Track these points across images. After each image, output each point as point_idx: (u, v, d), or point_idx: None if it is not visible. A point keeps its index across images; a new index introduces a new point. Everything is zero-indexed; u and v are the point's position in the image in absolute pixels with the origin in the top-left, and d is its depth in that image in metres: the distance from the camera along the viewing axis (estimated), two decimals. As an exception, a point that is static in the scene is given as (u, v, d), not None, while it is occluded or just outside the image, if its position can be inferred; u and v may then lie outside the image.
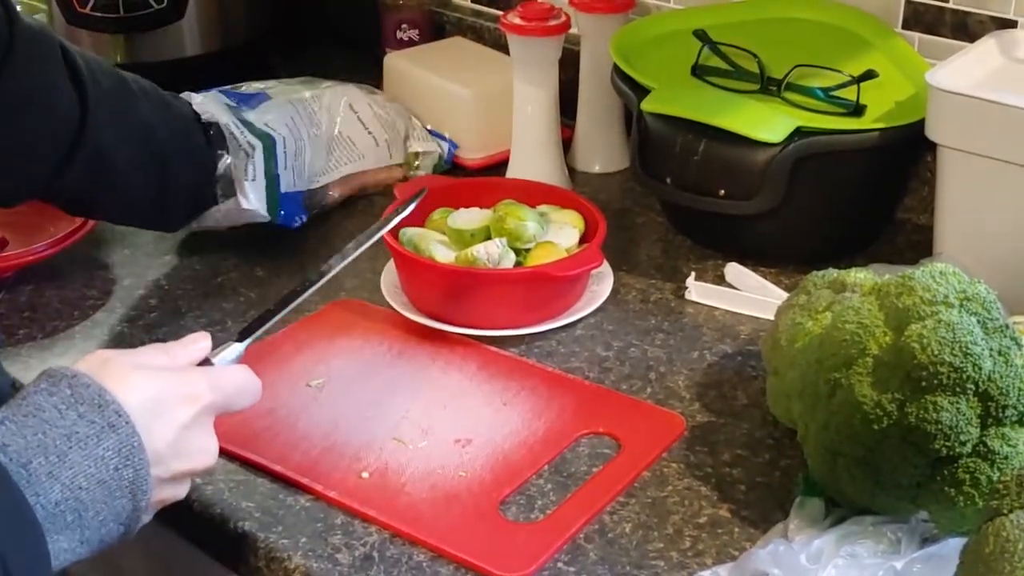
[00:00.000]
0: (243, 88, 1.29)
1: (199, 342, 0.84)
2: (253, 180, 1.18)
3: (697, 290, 1.19)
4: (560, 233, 1.17)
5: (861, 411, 0.84)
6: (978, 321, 0.84)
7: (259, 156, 1.19)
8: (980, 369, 0.82)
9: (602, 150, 1.46)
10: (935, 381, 0.82)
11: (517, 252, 1.14)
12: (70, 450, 0.71)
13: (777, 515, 0.91)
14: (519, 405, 1.03)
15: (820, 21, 1.35)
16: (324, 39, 1.75)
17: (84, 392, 0.73)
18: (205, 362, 0.84)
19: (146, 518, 0.77)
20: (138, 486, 0.73)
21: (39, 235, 1.21)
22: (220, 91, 1.25)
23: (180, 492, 0.79)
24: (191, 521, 0.94)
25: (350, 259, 0.99)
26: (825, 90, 1.20)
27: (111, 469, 0.72)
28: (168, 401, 0.76)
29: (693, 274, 1.20)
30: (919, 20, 1.29)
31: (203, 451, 0.79)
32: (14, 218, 1.22)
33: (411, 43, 1.60)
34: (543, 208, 1.21)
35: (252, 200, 1.18)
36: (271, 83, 1.33)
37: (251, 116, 1.23)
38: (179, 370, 0.80)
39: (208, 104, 1.19)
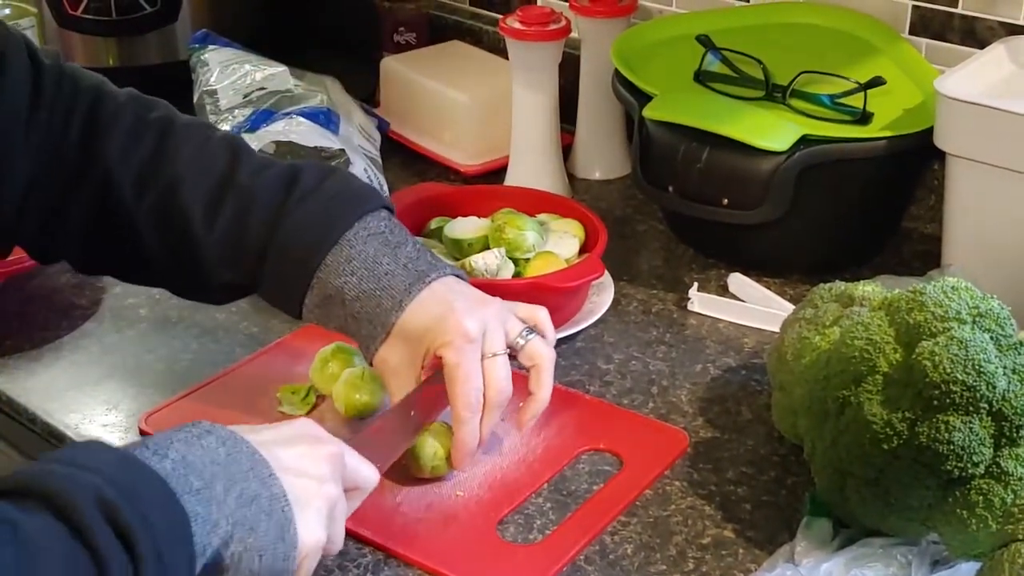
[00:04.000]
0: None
1: None
2: None
3: (700, 301, 1.17)
4: (560, 242, 1.14)
5: (871, 430, 0.82)
6: (991, 338, 0.82)
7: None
8: (994, 388, 0.79)
9: (603, 157, 1.43)
10: (947, 400, 0.79)
11: (516, 262, 1.12)
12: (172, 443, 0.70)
13: (783, 536, 0.89)
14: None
15: (826, 26, 1.32)
16: (321, 42, 1.73)
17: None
18: None
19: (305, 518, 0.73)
20: (258, 467, 0.72)
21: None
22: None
23: (318, 474, 0.76)
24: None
25: None
26: (831, 97, 1.18)
27: (223, 456, 0.71)
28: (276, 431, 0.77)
29: (696, 285, 1.18)
30: (926, 26, 1.27)
31: (324, 457, 0.77)
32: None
33: (408, 47, 1.58)
34: (542, 217, 1.18)
35: None
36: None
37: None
38: None
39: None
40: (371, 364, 0.93)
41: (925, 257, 1.24)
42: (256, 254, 0.92)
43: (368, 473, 0.80)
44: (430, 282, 0.90)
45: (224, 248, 0.92)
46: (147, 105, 0.97)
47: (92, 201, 0.93)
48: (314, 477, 0.75)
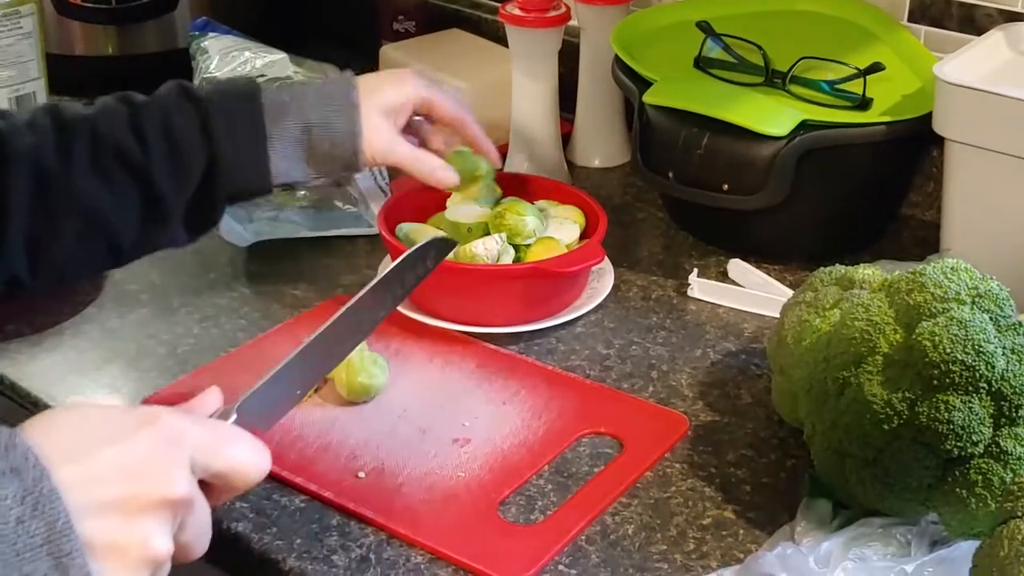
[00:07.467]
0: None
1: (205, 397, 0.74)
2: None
3: (700, 287, 1.17)
4: (560, 229, 1.15)
5: (871, 411, 0.82)
6: (991, 319, 0.82)
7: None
8: (993, 368, 0.80)
9: (602, 144, 1.43)
10: (947, 380, 0.80)
11: (516, 248, 1.12)
12: None
13: (783, 517, 0.89)
14: (518, 404, 1.01)
15: (825, 13, 1.33)
16: (319, 30, 1.73)
17: None
18: None
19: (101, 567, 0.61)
20: (57, 540, 0.59)
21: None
22: None
23: (141, 531, 0.62)
24: (183, 522, 0.91)
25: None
26: (831, 83, 1.18)
27: (12, 521, 0.58)
28: (109, 425, 0.64)
29: (696, 271, 1.18)
30: (925, 13, 1.27)
31: (161, 474, 0.63)
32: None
33: (407, 35, 1.58)
34: (542, 203, 1.19)
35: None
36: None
37: None
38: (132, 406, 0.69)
39: None
40: (365, 162, 1.05)
41: (924, 243, 1.24)
42: (199, 146, 0.98)
43: (242, 458, 0.69)
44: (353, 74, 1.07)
45: (168, 160, 0.97)
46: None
47: (23, 190, 0.94)
48: (134, 510, 0.62)
